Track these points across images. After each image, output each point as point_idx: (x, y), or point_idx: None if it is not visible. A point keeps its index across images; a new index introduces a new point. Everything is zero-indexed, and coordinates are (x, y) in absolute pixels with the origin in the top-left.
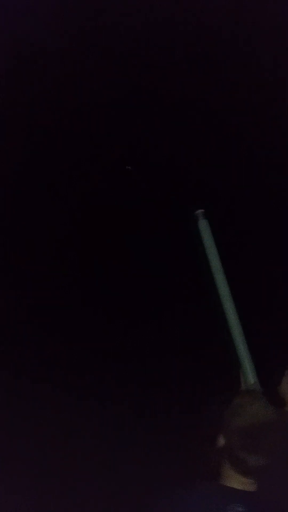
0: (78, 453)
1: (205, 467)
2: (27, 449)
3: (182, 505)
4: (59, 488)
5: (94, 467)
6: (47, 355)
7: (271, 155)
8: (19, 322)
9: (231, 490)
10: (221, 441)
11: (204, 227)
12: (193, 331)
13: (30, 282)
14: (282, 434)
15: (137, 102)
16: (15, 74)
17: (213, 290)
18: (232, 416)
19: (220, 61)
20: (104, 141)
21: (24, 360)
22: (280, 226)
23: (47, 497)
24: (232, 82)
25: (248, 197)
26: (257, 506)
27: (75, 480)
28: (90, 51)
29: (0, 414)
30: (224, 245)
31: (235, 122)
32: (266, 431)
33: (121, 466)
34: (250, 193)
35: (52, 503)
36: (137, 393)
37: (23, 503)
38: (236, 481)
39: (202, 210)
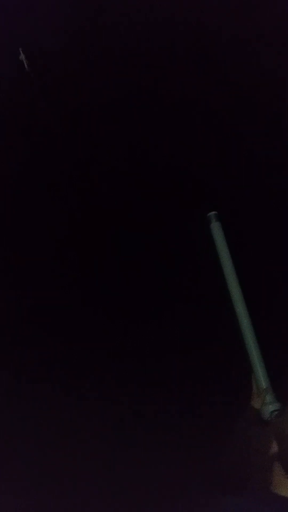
0: (78, 453)
1: (209, 471)
2: (27, 449)
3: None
4: (59, 488)
5: (94, 467)
6: (47, 355)
7: (272, 155)
8: (19, 322)
9: (282, 499)
10: (275, 447)
11: (217, 229)
12: (193, 331)
13: (30, 282)
14: None
15: (137, 102)
16: (15, 74)
17: (219, 288)
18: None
19: (220, 61)
20: (104, 141)
21: (24, 360)
22: (281, 222)
23: (47, 497)
24: (232, 82)
25: (257, 198)
26: None
27: (75, 480)
28: (90, 51)
29: (0, 414)
30: (236, 248)
31: (235, 122)
32: None
33: (121, 466)
34: (257, 194)
35: (52, 503)
36: (137, 393)
37: (23, 503)
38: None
39: (215, 212)
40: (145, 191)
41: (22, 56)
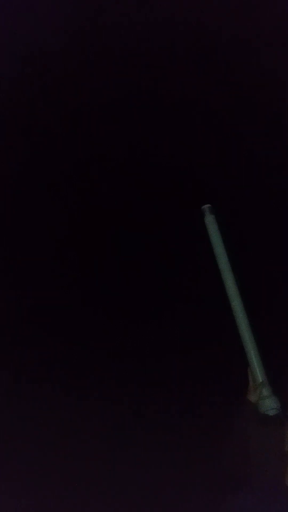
0: (78, 453)
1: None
2: (27, 449)
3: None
4: (59, 488)
5: (94, 467)
6: (47, 355)
7: (272, 155)
8: (19, 322)
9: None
10: (275, 445)
11: (211, 222)
12: (193, 331)
13: (30, 282)
14: None
15: (137, 102)
16: (15, 74)
17: (219, 288)
18: None
19: (220, 61)
20: (104, 141)
21: (24, 360)
22: (281, 221)
23: (47, 497)
24: (232, 82)
25: (248, 194)
26: None
27: (75, 480)
28: (90, 51)
29: (0, 414)
30: (231, 242)
31: (235, 122)
32: None
33: (121, 466)
34: (257, 193)
35: (52, 503)
36: (137, 393)
37: (23, 503)
38: None
39: (209, 205)
40: (145, 191)
41: None
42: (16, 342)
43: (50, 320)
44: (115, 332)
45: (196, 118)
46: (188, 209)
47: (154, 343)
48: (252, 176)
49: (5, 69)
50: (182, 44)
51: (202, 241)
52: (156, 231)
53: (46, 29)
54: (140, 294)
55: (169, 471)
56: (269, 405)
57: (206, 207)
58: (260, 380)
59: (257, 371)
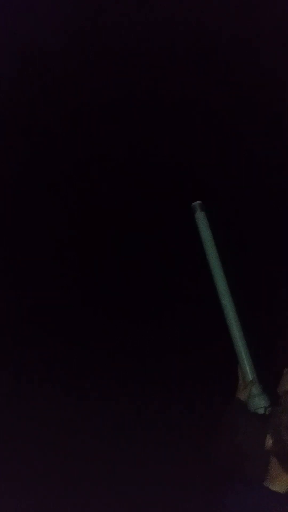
0: (78, 453)
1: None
2: (27, 449)
3: (218, 503)
4: (59, 488)
5: (94, 467)
6: (47, 355)
7: (272, 155)
8: (19, 322)
9: (271, 492)
10: (269, 441)
11: (201, 219)
12: (193, 331)
13: (30, 282)
14: None
15: (137, 102)
16: (15, 74)
17: (211, 285)
18: (281, 413)
19: (220, 61)
20: (104, 141)
21: (24, 360)
22: (280, 221)
23: (47, 496)
24: (232, 82)
25: (248, 194)
26: None
27: (75, 480)
28: (90, 51)
29: (0, 414)
30: (222, 239)
31: (234, 121)
32: None
33: (121, 466)
34: (249, 190)
35: (52, 503)
36: (137, 393)
37: (23, 502)
38: (282, 483)
39: (200, 202)
40: (145, 191)
41: None
42: (16, 342)
43: (50, 320)
44: (115, 332)
45: (196, 118)
46: (188, 209)
47: (154, 343)
48: (252, 176)
49: (5, 69)
50: (182, 44)
51: (200, 234)
52: (156, 231)
53: (46, 29)
54: (140, 294)
55: (169, 471)
56: (259, 403)
57: (196, 203)
58: (250, 378)
59: (247, 369)
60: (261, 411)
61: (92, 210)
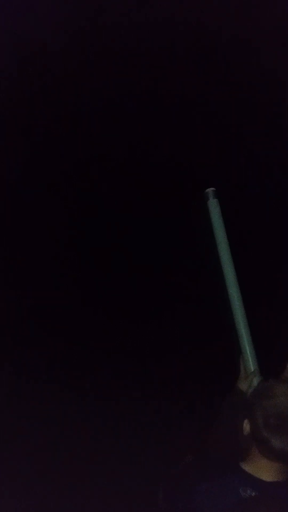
0: (78, 453)
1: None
2: (28, 449)
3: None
4: (59, 488)
5: (94, 467)
6: (47, 355)
7: (272, 155)
8: (19, 322)
9: (247, 475)
10: (247, 426)
11: (214, 207)
12: (193, 331)
13: (30, 282)
14: None
15: (137, 102)
16: (15, 74)
17: (220, 289)
18: (259, 398)
19: (220, 61)
20: (104, 141)
21: (24, 360)
22: (281, 221)
23: (47, 497)
24: (232, 82)
25: (248, 194)
26: (269, 493)
27: (75, 480)
28: (90, 51)
29: (0, 414)
30: (232, 230)
31: (235, 122)
32: None
33: (121, 466)
34: (256, 193)
35: (52, 503)
36: (137, 393)
37: (23, 502)
38: (261, 469)
39: (213, 189)
40: (145, 191)
41: None
42: (16, 342)
43: (50, 320)
44: (115, 332)
45: (196, 118)
46: (188, 209)
47: (154, 343)
48: (252, 176)
49: (5, 69)
50: (182, 44)
51: (203, 241)
52: (156, 231)
53: (46, 29)
54: (140, 294)
55: (168, 471)
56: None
57: (210, 190)
58: (252, 369)
59: (250, 359)
60: None
61: (92, 210)
